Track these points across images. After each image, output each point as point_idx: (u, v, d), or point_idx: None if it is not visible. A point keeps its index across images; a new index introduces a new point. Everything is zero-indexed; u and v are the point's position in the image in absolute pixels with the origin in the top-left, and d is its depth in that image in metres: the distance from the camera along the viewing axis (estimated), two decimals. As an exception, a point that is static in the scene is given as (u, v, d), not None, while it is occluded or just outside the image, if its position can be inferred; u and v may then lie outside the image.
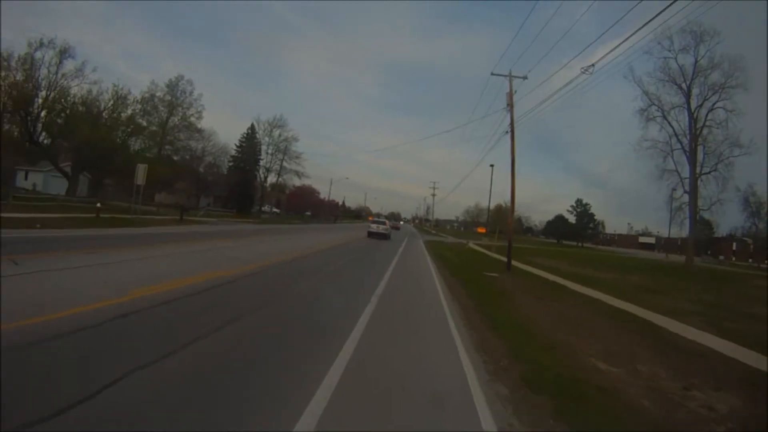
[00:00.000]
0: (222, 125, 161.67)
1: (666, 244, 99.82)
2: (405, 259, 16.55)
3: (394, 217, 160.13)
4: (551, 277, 16.05)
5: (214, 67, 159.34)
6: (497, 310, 8.05)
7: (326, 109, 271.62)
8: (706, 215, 34.85)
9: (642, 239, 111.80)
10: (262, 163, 49.48)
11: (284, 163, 48.09)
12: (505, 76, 17.70)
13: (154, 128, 44.22)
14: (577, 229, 73.39)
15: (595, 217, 73.64)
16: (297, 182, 55.64)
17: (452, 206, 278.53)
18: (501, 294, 10.56)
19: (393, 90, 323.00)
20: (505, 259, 18.06)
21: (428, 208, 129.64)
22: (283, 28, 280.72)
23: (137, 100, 41.32)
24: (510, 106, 17.47)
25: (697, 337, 7.42)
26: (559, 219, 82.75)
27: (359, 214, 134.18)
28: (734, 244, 77.88)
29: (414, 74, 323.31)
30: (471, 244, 34.79)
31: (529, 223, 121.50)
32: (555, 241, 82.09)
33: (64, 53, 30.35)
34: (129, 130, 37.59)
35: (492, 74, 18.33)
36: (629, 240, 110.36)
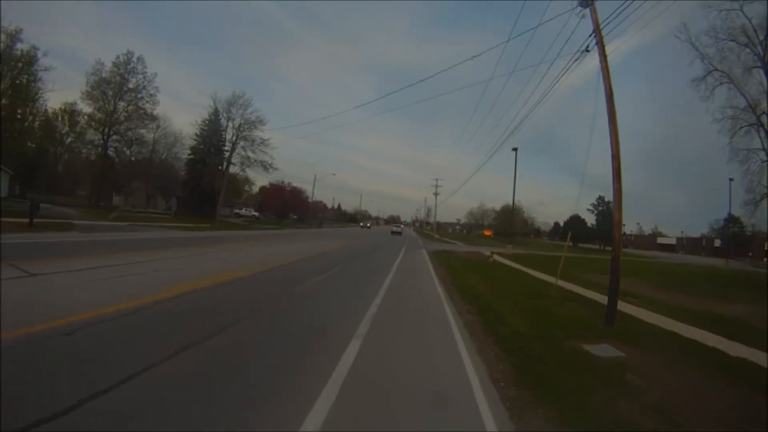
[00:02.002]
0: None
1: (688, 245, 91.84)
2: (395, 313, 8.06)
3: (394, 220, 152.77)
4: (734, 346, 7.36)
5: (207, 72, 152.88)
6: None
7: (321, 112, 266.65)
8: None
9: (660, 240, 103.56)
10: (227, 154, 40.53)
11: (249, 153, 39.13)
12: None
13: (99, 116, 36.02)
14: (597, 231, 64.70)
15: (618, 217, 64.89)
16: (265, 178, 46.71)
17: (452, 209, 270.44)
18: None
19: (389, 95, 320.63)
20: (557, 280, 9.39)
21: (429, 210, 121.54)
22: (276, 31, 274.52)
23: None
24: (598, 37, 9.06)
25: None
26: (575, 219, 74.20)
27: (353, 218, 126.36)
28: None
29: (410, 78, 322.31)
30: (491, 255, 25.53)
31: (535, 224, 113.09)
32: (571, 244, 73.44)
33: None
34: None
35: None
36: (647, 241, 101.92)
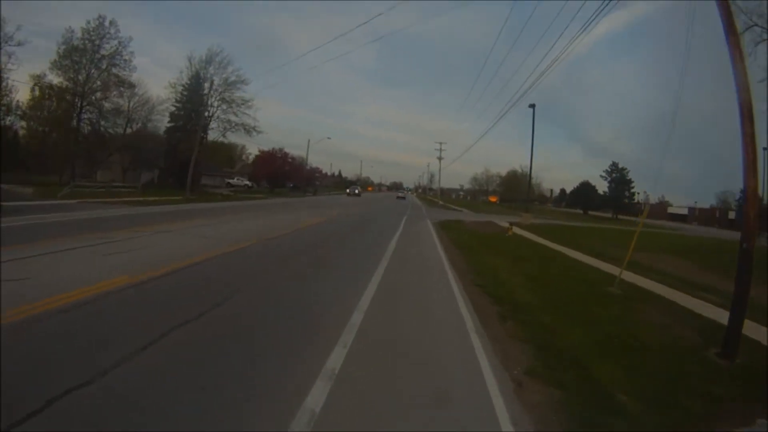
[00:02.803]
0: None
1: (701, 216, 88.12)
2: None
3: (397, 187, 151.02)
4: None
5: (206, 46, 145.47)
6: None
7: (323, 82, 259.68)
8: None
9: (671, 210, 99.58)
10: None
11: (230, 116, 35.33)
12: None
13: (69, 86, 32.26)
14: (611, 199, 61.09)
15: (633, 184, 61.09)
16: (248, 142, 43.24)
17: (455, 175, 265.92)
18: None
19: (391, 62, 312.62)
20: (620, 273, 6.33)
21: (432, 176, 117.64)
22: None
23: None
24: None
25: None
26: (586, 186, 70.53)
27: (353, 184, 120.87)
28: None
29: (412, 47, 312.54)
30: (510, 228, 21.58)
31: (540, 190, 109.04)
32: (581, 212, 70.18)
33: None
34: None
35: None
36: (658, 209, 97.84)
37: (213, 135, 37.92)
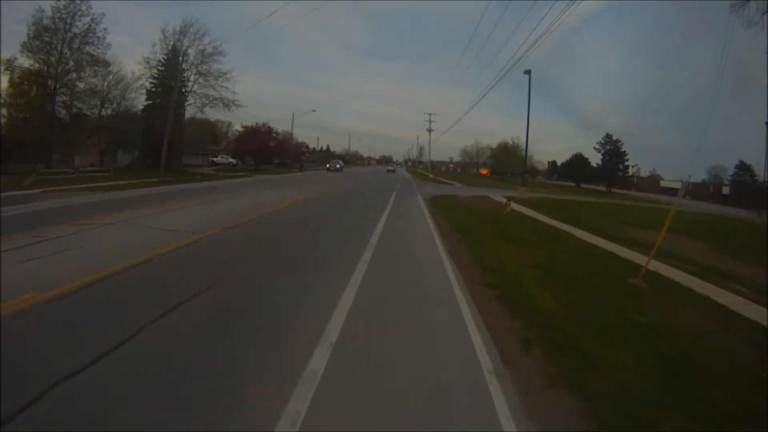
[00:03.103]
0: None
1: (694, 191, 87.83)
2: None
3: (386, 160, 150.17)
4: None
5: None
6: None
7: (310, 57, 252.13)
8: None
9: (663, 183, 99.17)
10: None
11: (208, 90, 33.11)
12: None
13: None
14: (604, 171, 60.12)
15: (627, 157, 60.07)
16: (228, 117, 41.33)
17: (444, 148, 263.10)
18: None
19: (378, 35, 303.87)
20: (646, 263, 5.36)
21: (421, 149, 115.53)
22: None
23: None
24: None
25: None
26: (578, 158, 69.48)
27: (342, 158, 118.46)
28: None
29: (401, 19, 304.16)
30: (508, 204, 20.10)
31: (532, 162, 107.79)
32: (573, 185, 69.44)
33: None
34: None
35: None
36: (650, 183, 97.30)
37: (191, 111, 35.51)
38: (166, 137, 27.74)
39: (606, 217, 18.82)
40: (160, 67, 33.77)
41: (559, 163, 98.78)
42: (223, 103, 33.06)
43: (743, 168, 63.06)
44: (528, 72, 22.64)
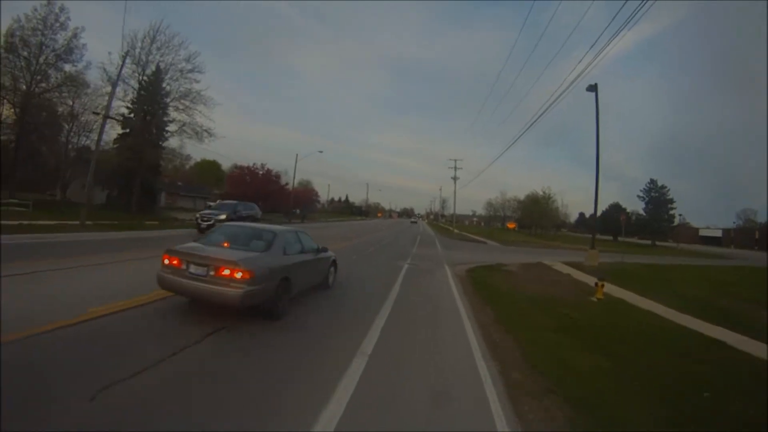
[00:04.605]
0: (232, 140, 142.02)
1: (737, 237, 79.28)
2: None
3: (408, 213, 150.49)
4: None
5: (219, 75, 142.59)
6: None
7: (333, 109, 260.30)
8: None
9: (703, 232, 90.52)
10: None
11: (181, 114, 27.86)
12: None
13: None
14: (648, 222, 52.84)
15: (674, 205, 52.91)
16: (199, 152, 36.39)
17: (466, 201, 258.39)
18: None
19: (400, 89, 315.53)
20: None
21: (444, 201, 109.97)
22: (286, 29, 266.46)
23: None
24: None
25: None
26: (615, 209, 62.38)
27: (360, 211, 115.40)
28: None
29: (421, 73, 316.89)
30: (600, 287, 12.85)
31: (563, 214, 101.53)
32: (610, 238, 61.81)
33: None
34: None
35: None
36: (688, 233, 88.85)
37: (174, 143, 30.41)
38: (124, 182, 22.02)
39: (713, 290, 11.86)
40: (141, 90, 28.77)
41: (587, 215, 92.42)
42: (195, 132, 27.50)
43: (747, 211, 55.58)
44: (593, 88, 16.65)
